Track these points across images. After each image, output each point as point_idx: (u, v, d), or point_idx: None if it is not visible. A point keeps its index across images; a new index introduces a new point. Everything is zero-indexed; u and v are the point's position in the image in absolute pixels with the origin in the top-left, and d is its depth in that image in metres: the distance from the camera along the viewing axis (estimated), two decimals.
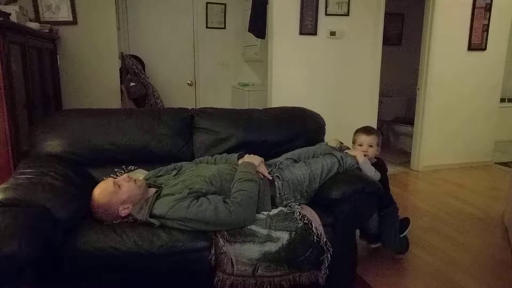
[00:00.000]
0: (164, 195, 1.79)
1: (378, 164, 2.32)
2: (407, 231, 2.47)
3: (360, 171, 2.14)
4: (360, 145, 2.32)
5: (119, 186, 1.75)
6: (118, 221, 1.77)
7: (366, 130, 2.37)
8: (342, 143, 2.38)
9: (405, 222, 2.49)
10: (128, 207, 1.75)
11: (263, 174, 2.01)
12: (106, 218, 1.75)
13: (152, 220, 1.71)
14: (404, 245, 2.46)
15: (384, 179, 2.31)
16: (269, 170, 2.09)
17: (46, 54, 3.08)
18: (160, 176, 2.06)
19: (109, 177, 2.09)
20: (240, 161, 2.08)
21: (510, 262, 2.43)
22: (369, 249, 2.55)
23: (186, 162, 2.23)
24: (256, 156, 2.11)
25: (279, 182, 2.00)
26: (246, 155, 2.12)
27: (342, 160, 2.10)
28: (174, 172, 2.04)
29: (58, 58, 3.39)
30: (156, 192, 1.83)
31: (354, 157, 2.15)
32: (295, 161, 2.22)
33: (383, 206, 2.32)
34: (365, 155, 2.21)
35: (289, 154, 2.30)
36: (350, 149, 2.32)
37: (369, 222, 2.32)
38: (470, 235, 2.83)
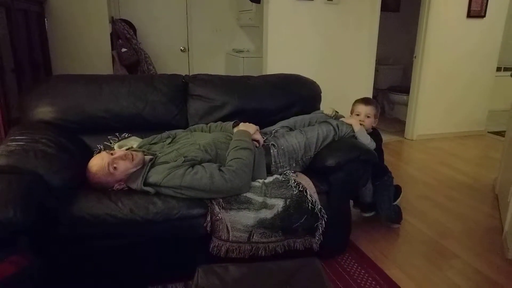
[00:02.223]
0: (159, 163, 1.78)
1: (374, 134, 2.32)
2: (398, 199, 2.50)
3: (356, 140, 2.13)
4: (358, 115, 2.31)
5: (115, 168, 1.72)
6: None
7: (365, 100, 2.36)
8: (338, 112, 2.37)
9: (397, 191, 2.52)
10: (123, 184, 1.76)
11: (258, 142, 2.00)
12: (100, 189, 1.75)
13: (146, 189, 1.71)
14: (398, 213, 2.50)
15: (379, 150, 2.31)
16: (265, 138, 2.08)
17: (33, 17, 2.96)
18: (154, 143, 2.03)
19: (104, 144, 2.07)
20: (235, 130, 2.06)
21: (499, 229, 2.48)
22: (362, 217, 2.59)
23: (181, 130, 2.20)
24: (251, 124, 2.09)
25: (275, 150, 1.99)
26: (241, 123, 2.10)
27: (338, 128, 2.09)
28: (168, 140, 2.01)
29: (46, 21, 3.26)
30: (151, 160, 1.81)
31: (350, 125, 2.14)
32: (291, 129, 2.21)
33: (377, 176, 2.34)
34: (361, 125, 2.20)
35: (284, 122, 2.28)
36: (344, 117, 2.31)
37: (364, 191, 2.34)
38: (462, 203, 2.88)
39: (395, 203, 2.49)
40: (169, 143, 1.98)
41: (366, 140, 2.15)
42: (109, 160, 1.73)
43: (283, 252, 1.85)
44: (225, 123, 2.21)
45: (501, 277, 2.01)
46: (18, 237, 1.41)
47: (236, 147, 1.86)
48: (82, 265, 1.71)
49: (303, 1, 3.76)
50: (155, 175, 1.71)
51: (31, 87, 2.26)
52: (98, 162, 1.74)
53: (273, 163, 1.98)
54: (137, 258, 1.77)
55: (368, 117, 2.30)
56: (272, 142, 2.02)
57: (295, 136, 2.05)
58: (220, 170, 1.74)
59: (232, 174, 1.72)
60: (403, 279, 1.97)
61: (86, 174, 1.75)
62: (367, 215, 2.55)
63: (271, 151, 1.99)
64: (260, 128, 2.21)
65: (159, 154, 1.86)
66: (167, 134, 2.10)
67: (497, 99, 5.09)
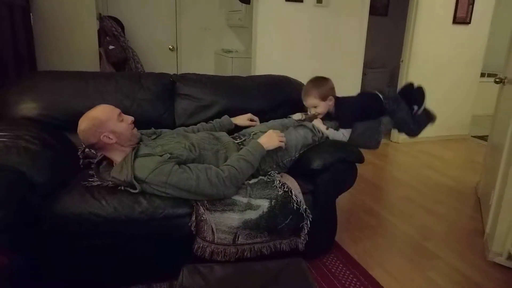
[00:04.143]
0: (144, 154, 1.72)
1: (339, 109, 2.18)
2: (424, 103, 2.26)
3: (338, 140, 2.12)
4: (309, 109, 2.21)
5: (122, 120, 1.74)
6: (87, 145, 1.77)
7: (303, 93, 2.19)
8: (307, 114, 2.26)
9: (414, 91, 2.31)
10: (112, 139, 1.71)
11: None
12: (85, 135, 1.70)
13: (135, 182, 1.66)
14: (426, 117, 2.30)
15: (356, 104, 2.21)
16: (243, 139, 2.07)
17: (18, 11, 2.90)
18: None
19: None
20: (261, 139, 1.92)
21: (481, 231, 2.53)
22: (347, 212, 2.61)
23: (167, 129, 2.18)
24: (276, 134, 1.93)
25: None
26: (268, 133, 1.95)
27: (315, 128, 2.06)
28: (153, 136, 1.99)
29: (31, 16, 3.21)
30: (133, 149, 1.75)
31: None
32: None
33: (381, 111, 2.20)
34: (321, 118, 2.14)
35: (263, 126, 2.23)
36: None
37: (403, 119, 2.20)
38: (445, 205, 2.93)
39: (421, 108, 2.23)
40: (154, 139, 1.96)
41: (339, 137, 2.11)
42: (121, 112, 1.77)
43: (269, 253, 1.85)
44: (223, 117, 2.25)
45: (481, 277, 2.04)
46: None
47: (241, 155, 1.82)
48: (65, 264, 1.68)
49: (293, 3, 3.78)
50: (141, 169, 1.66)
51: (15, 82, 2.22)
52: (110, 105, 1.77)
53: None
54: (122, 257, 1.75)
55: (315, 107, 2.15)
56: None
57: None
58: (207, 172, 1.70)
59: (220, 180, 1.70)
60: (386, 279, 1.99)
61: (86, 112, 1.73)
62: (429, 124, 2.34)
63: None
64: (242, 128, 2.25)
65: (142, 144, 1.82)
66: (153, 131, 2.07)
67: (480, 104, 5.19)
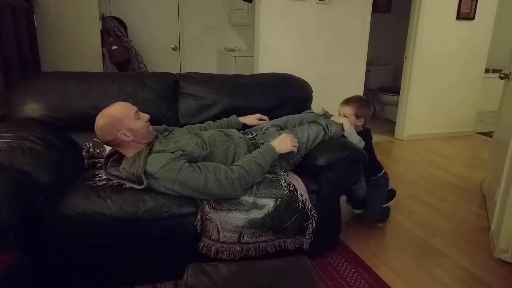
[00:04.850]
0: (157, 151, 1.75)
1: (364, 133, 2.32)
2: (391, 202, 2.50)
3: (345, 139, 2.14)
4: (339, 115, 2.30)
5: (138, 118, 1.76)
6: (104, 142, 1.77)
7: (345, 100, 2.31)
8: (327, 111, 2.37)
9: (390, 193, 2.52)
10: (129, 137, 1.72)
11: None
12: (102, 132, 1.72)
13: (143, 177, 1.66)
14: (384, 214, 2.51)
15: (370, 148, 2.32)
16: (255, 134, 2.08)
17: (22, 13, 2.92)
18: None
19: (94, 140, 2.06)
20: (272, 143, 1.92)
21: (486, 229, 2.52)
22: (352, 215, 2.60)
23: (177, 127, 2.17)
24: (289, 139, 1.93)
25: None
26: (281, 136, 1.95)
27: (327, 127, 2.10)
28: (165, 133, 1.99)
29: (34, 17, 3.22)
30: (148, 145, 1.78)
31: (341, 124, 2.15)
32: (281, 128, 2.21)
33: (372, 173, 2.35)
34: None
35: (275, 121, 2.28)
36: (334, 116, 2.31)
37: (357, 188, 2.33)
38: (450, 202, 2.92)
39: (386, 204, 2.48)
40: (166, 136, 1.96)
41: (356, 140, 2.16)
42: (137, 110, 1.79)
43: (274, 252, 1.85)
44: (231, 117, 2.26)
45: (487, 275, 2.03)
46: (5, 235, 1.38)
47: (253, 157, 1.82)
48: (71, 263, 1.69)
49: (295, 0, 3.76)
50: (152, 164, 1.67)
51: (19, 83, 2.23)
52: (127, 103, 1.79)
53: None
54: (127, 256, 1.76)
55: (345, 117, 2.24)
56: (262, 141, 2.02)
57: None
58: (216, 172, 1.70)
59: (229, 181, 1.69)
60: (392, 277, 1.99)
61: (103, 110, 1.74)
62: (358, 212, 2.56)
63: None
64: (251, 126, 2.22)
65: (156, 141, 1.84)
66: (164, 127, 2.07)
67: (485, 100, 5.16)
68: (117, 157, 1.85)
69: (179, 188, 1.68)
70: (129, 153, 1.78)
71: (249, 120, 2.31)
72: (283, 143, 1.91)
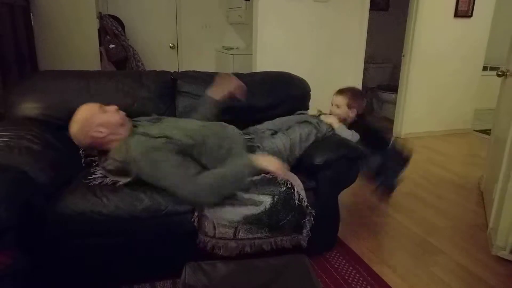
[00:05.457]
0: (140, 133, 1.75)
1: (357, 125, 2.28)
2: (403, 172, 2.39)
3: (341, 137, 2.14)
4: (332, 105, 2.33)
5: (105, 111, 1.77)
6: (86, 148, 1.82)
7: (338, 90, 2.34)
8: (322, 112, 2.37)
9: (405, 159, 2.41)
10: (102, 132, 1.73)
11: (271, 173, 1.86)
12: (78, 138, 1.75)
13: (129, 164, 1.66)
14: (395, 184, 2.39)
15: (369, 130, 2.32)
16: (252, 137, 2.06)
17: (19, 11, 2.91)
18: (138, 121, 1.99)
19: None
20: (256, 155, 1.86)
21: (484, 226, 2.53)
22: (350, 208, 2.61)
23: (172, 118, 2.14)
24: (274, 161, 1.84)
25: (258, 152, 1.96)
26: (265, 158, 1.84)
27: (319, 125, 2.11)
28: (153, 120, 1.97)
29: (31, 16, 3.21)
30: (131, 132, 1.78)
31: (330, 124, 2.16)
32: (275, 131, 2.17)
33: (380, 146, 2.30)
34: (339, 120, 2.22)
35: (269, 125, 2.24)
36: (323, 116, 2.30)
37: (371, 161, 2.27)
38: (448, 200, 2.92)
39: (399, 176, 2.36)
40: (154, 122, 1.94)
41: (348, 135, 2.16)
42: (100, 104, 1.80)
43: (270, 250, 1.84)
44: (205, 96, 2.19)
45: (485, 272, 2.04)
46: (3, 235, 1.38)
47: (237, 164, 1.77)
48: (68, 263, 1.69)
49: None
50: (136, 146, 1.67)
51: (17, 82, 2.23)
52: (89, 104, 1.79)
53: None
54: (125, 255, 1.76)
55: (338, 106, 2.27)
56: (258, 144, 2.00)
57: (279, 138, 2.04)
58: (192, 177, 1.65)
59: (203, 186, 1.65)
60: (390, 275, 1.99)
61: (71, 119, 1.75)
62: (375, 183, 2.39)
63: (257, 152, 1.97)
64: (250, 125, 2.21)
65: (139, 125, 1.83)
66: (154, 116, 2.06)
67: (483, 97, 5.16)
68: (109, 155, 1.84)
69: (153, 176, 1.65)
70: (113, 146, 1.78)
71: (216, 93, 2.18)
72: (270, 161, 1.83)
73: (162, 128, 1.81)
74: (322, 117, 2.24)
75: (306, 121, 2.15)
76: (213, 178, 1.69)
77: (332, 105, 2.32)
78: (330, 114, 2.31)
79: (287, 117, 2.33)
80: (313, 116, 2.30)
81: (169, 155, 1.67)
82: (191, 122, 1.97)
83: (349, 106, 2.26)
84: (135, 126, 1.86)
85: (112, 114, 1.78)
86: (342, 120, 2.27)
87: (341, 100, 2.27)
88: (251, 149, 1.97)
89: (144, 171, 1.67)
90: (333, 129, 2.16)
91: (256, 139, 2.06)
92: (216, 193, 1.69)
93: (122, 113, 1.82)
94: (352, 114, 2.28)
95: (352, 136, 2.18)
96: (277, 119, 2.30)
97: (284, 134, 2.07)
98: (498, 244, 2.17)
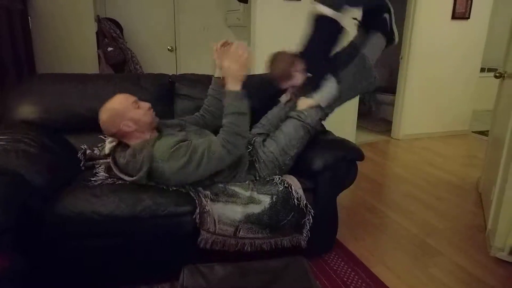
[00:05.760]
0: (166, 135, 1.79)
1: (306, 63, 2.11)
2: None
3: (339, 137, 2.14)
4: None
5: (138, 107, 1.78)
6: (109, 135, 1.83)
7: (271, 78, 2.12)
8: (288, 99, 2.20)
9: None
10: (130, 126, 1.75)
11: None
12: (105, 126, 1.76)
13: (145, 165, 1.67)
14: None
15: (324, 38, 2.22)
16: (250, 149, 2.00)
17: (16, 15, 2.90)
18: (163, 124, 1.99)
19: (98, 144, 2.06)
20: (227, 87, 1.81)
21: (483, 227, 2.53)
22: (349, 210, 2.60)
23: (189, 117, 2.12)
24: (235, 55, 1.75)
25: (257, 165, 1.96)
26: (226, 62, 1.77)
27: (300, 117, 2.00)
28: (178, 128, 1.97)
29: (29, 19, 3.21)
30: (156, 137, 1.79)
31: (308, 106, 2.02)
32: (268, 135, 2.12)
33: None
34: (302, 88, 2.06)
35: (259, 129, 2.19)
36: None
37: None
38: (446, 201, 2.92)
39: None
40: (179, 131, 1.94)
41: (330, 95, 1.99)
42: (136, 99, 1.80)
43: (269, 250, 1.85)
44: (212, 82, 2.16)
45: (483, 273, 2.04)
46: (0, 237, 1.38)
47: (231, 112, 1.75)
48: (67, 264, 1.68)
49: (291, 1, 3.77)
50: (161, 148, 1.69)
51: (14, 85, 2.22)
52: (126, 94, 1.80)
53: (258, 177, 1.95)
54: (123, 257, 1.76)
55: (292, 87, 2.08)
56: (255, 157, 1.97)
57: (269, 146, 1.99)
58: (210, 148, 1.70)
59: (228, 146, 1.70)
60: (389, 276, 1.99)
61: (105, 104, 1.76)
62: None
63: (256, 165, 1.95)
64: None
65: (165, 133, 1.84)
66: (178, 122, 2.04)
67: (481, 99, 5.18)
68: (121, 149, 1.84)
69: (190, 166, 1.68)
70: (133, 142, 1.79)
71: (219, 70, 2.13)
72: (233, 72, 1.76)
73: (186, 136, 1.84)
74: (298, 106, 2.06)
75: (288, 117, 2.06)
76: (224, 132, 1.72)
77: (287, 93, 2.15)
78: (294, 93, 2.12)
79: (270, 113, 2.24)
80: (287, 101, 2.18)
81: (184, 146, 1.70)
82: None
83: (291, 77, 2.04)
84: (159, 130, 1.87)
85: (145, 112, 1.79)
86: (307, 80, 2.06)
87: (285, 82, 2.07)
88: (250, 164, 1.95)
89: (175, 164, 1.67)
90: (317, 107, 2.00)
91: (253, 150, 2.01)
92: (235, 138, 1.71)
93: (153, 113, 1.84)
94: (302, 74, 2.06)
95: (331, 90, 1.98)
96: (263, 118, 2.23)
97: (272, 139, 2.01)
98: (496, 246, 2.17)
